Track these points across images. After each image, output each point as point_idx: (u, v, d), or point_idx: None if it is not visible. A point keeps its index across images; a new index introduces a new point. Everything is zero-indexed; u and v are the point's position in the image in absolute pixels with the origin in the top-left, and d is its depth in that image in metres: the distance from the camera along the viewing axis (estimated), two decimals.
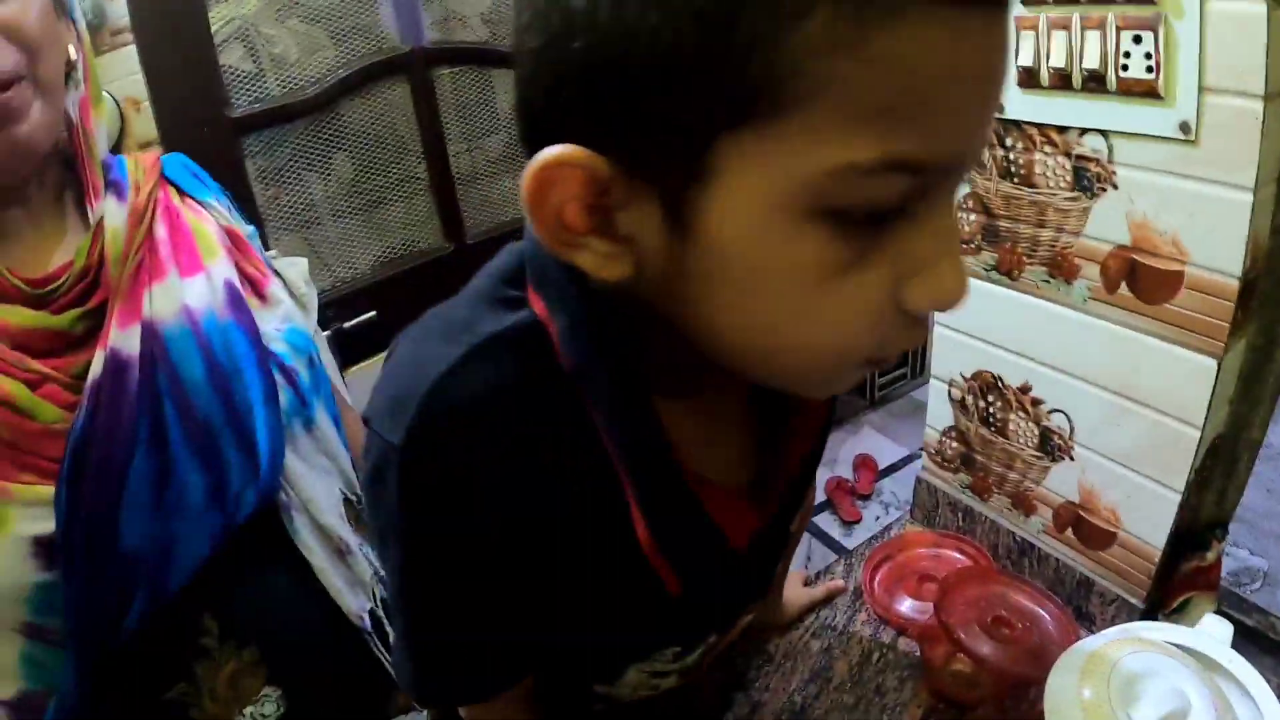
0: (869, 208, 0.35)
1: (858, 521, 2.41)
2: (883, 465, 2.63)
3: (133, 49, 1.40)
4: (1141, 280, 1.25)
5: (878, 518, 2.42)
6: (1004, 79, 0.35)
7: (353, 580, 0.84)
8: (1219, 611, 1.07)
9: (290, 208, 1.70)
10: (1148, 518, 1.33)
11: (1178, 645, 0.89)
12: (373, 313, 1.76)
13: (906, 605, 1.45)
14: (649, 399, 0.46)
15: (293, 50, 1.64)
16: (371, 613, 0.85)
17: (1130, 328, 1.27)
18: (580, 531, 0.49)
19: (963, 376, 1.57)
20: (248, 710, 0.76)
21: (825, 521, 2.40)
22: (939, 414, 1.65)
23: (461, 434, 0.44)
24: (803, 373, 0.43)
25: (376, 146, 1.77)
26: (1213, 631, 0.96)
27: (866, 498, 2.50)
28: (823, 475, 2.42)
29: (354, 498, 0.87)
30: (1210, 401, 1.19)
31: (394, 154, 1.80)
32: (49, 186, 0.74)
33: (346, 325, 1.74)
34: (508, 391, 0.45)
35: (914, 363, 2.96)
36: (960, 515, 1.65)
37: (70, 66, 0.71)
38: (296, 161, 1.69)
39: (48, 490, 0.65)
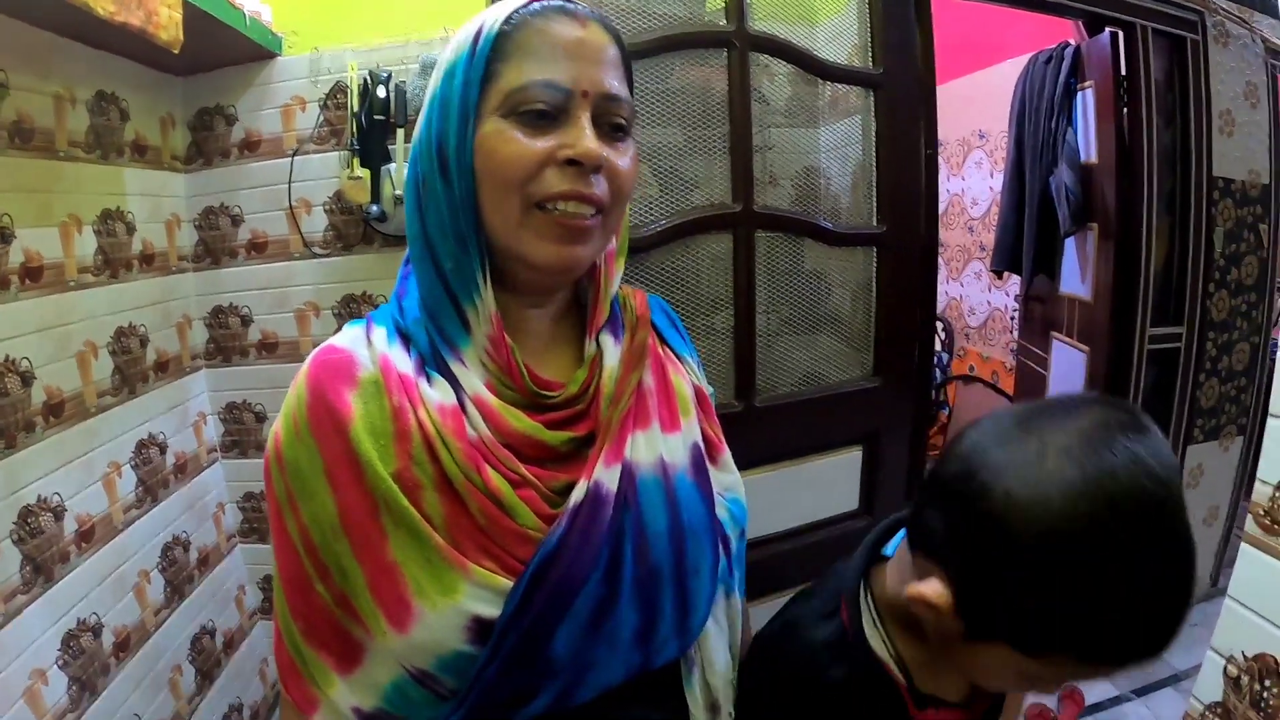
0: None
1: None
2: (1090, 700, 2.52)
3: None
4: None
5: None
6: None
7: None
8: None
9: None
10: None
11: None
12: None
13: None
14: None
15: None
16: None
17: None
18: None
19: (1244, 655, 1.54)
20: None
21: None
22: (1208, 687, 1.61)
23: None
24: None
25: (685, 292, 1.85)
26: None
27: None
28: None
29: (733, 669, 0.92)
30: None
31: (702, 303, 1.87)
32: (561, 306, 0.87)
33: None
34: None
35: None
36: None
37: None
38: None
39: (502, 582, 0.72)
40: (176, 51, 1.55)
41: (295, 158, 2.12)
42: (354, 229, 2.16)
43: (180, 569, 2.13)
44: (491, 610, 0.71)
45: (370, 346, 0.79)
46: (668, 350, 0.93)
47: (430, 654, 0.72)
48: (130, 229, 1.95)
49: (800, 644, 0.80)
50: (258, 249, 2.21)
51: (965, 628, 0.69)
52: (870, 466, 2.11)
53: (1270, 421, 1.50)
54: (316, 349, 0.81)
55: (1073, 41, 3.00)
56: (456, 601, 0.71)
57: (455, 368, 0.77)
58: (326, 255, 2.18)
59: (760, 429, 1.90)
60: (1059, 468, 0.62)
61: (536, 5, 0.75)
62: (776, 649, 0.85)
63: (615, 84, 0.76)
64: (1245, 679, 1.52)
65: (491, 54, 0.73)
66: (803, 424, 1.98)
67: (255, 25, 1.95)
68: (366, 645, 0.73)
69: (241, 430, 2.35)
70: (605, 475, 0.77)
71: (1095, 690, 2.58)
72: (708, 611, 0.84)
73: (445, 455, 0.73)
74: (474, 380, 0.77)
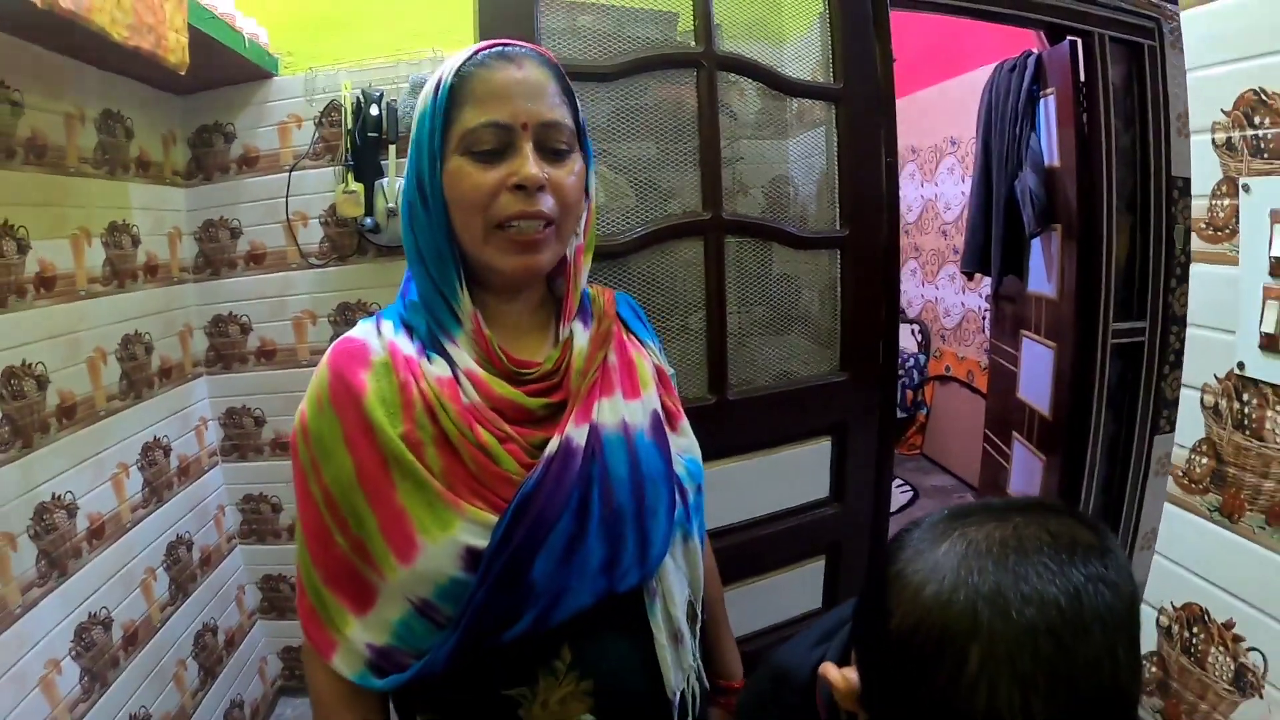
0: None
1: None
2: None
3: None
4: None
5: None
6: None
7: (679, 663, 1.00)
8: None
9: None
10: None
11: None
12: None
13: None
14: None
15: (600, 195, 1.86)
16: (682, 694, 1.00)
17: None
18: None
19: (1173, 605, 1.64)
20: None
21: None
22: (1144, 637, 1.70)
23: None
24: None
25: (659, 294, 1.95)
26: None
27: None
28: None
29: (694, 602, 1.06)
30: None
31: (677, 305, 1.98)
32: (536, 297, 1.02)
33: None
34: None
35: None
36: None
37: (579, 222, 0.98)
38: None
39: (490, 517, 0.86)
40: (183, 73, 1.65)
41: (292, 173, 2.23)
42: (348, 240, 2.27)
43: (184, 567, 2.22)
44: (481, 541, 0.85)
45: (380, 336, 0.95)
46: (631, 336, 1.08)
47: (431, 582, 0.86)
48: (135, 241, 2.05)
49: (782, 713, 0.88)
50: (256, 260, 2.32)
51: (869, 716, 0.68)
52: (839, 456, 2.21)
53: (1183, 391, 1.61)
54: (336, 340, 0.96)
55: (1035, 50, 3.11)
56: (452, 534, 0.85)
57: (450, 349, 0.92)
58: (322, 266, 2.29)
59: (733, 421, 2.00)
60: (952, 561, 0.59)
61: (481, 55, 0.90)
62: (762, 710, 0.95)
63: (552, 112, 0.90)
64: (1176, 627, 1.62)
65: (448, 103, 0.88)
66: (773, 416, 2.08)
67: (254, 47, 2.05)
68: (378, 586, 0.87)
69: (241, 434, 2.45)
70: (575, 432, 0.91)
71: None
72: (665, 547, 0.97)
73: (444, 416, 0.88)
74: (465, 358, 0.92)
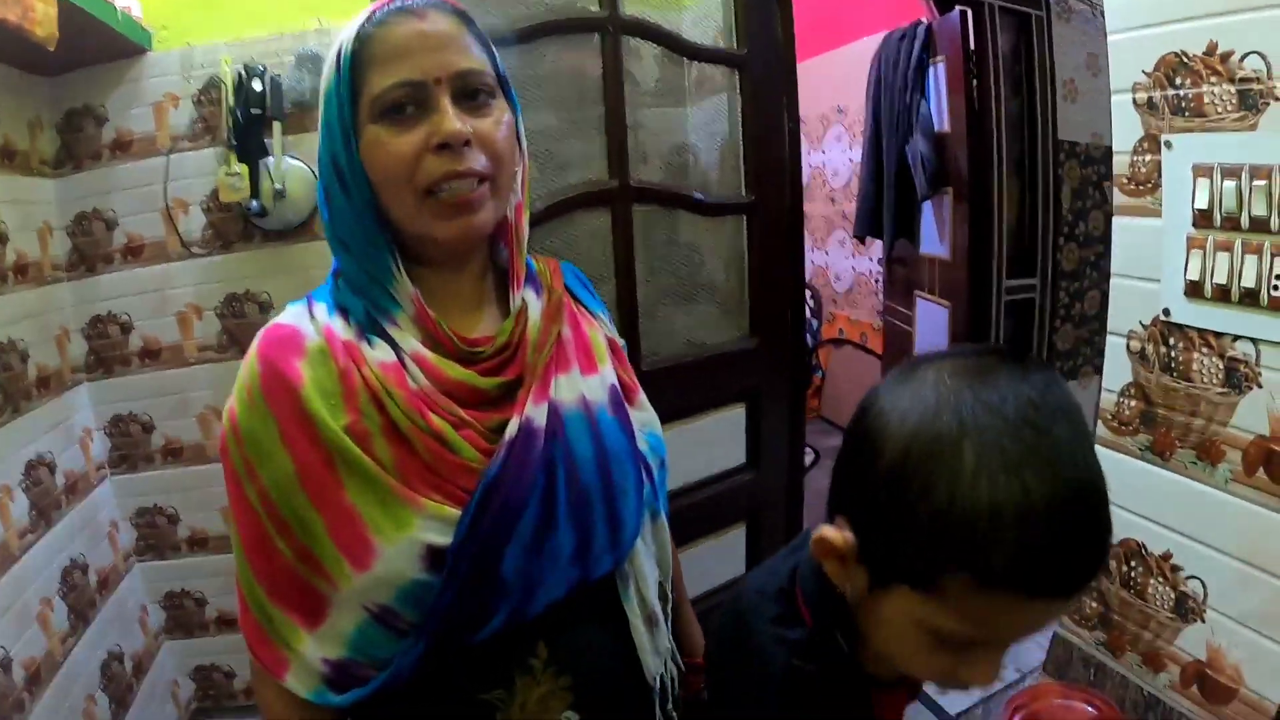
0: (949, 640, 0.64)
1: None
2: None
3: None
4: (1276, 466, 1.44)
5: None
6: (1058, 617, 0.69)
7: (656, 647, 0.96)
8: None
9: None
10: (1267, 675, 1.46)
11: None
12: None
13: None
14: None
15: None
16: (661, 677, 0.97)
17: (1266, 506, 1.45)
18: None
19: (1111, 544, 1.70)
20: None
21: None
22: None
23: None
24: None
25: None
26: None
27: None
28: None
29: (664, 582, 1.02)
30: None
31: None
32: (478, 268, 0.94)
33: None
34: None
35: None
36: (1092, 670, 1.78)
37: (514, 178, 0.90)
38: None
39: (451, 511, 0.80)
40: (52, 48, 1.51)
41: (170, 157, 2.09)
42: (233, 226, 2.13)
43: (81, 593, 2.04)
44: (443, 538, 0.79)
45: (313, 320, 0.86)
46: (581, 308, 1.02)
47: (391, 586, 0.79)
48: (3, 239, 1.89)
49: (768, 645, 0.82)
50: (134, 253, 2.16)
51: (869, 574, 0.69)
52: (754, 422, 2.23)
53: (1109, 339, 1.67)
54: (263, 328, 0.87)
55: (925, 20, 3.19)
56: (410, 533, 0.78)
57: (392, 331, 0.85)
58: (206, 255, 2.15)
59: (648, 393, 1.97)
60: (927, 390, 0.64)
61: (378, 14, 0.82)
62: (743, 649, 0.87)
63: (466, 60, 0.83)
64: (1114, 563, 1.69)
65: (352, 71, 0.81)
66: (687, 386, 2.09)
67: (126, 20, 1.90)
68: (330, 597, 0.80)
69: (129, 444, 2.29)
70: (535, 412, 0.85)
71: None
72: (637, 528, 0.92)
73: (390, 404, 0.80)
74: (410, 340, 0.85)
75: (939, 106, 3.15)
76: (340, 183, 0.84)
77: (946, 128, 3.11)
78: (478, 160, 0.82)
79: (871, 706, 0.80)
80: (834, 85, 4.39)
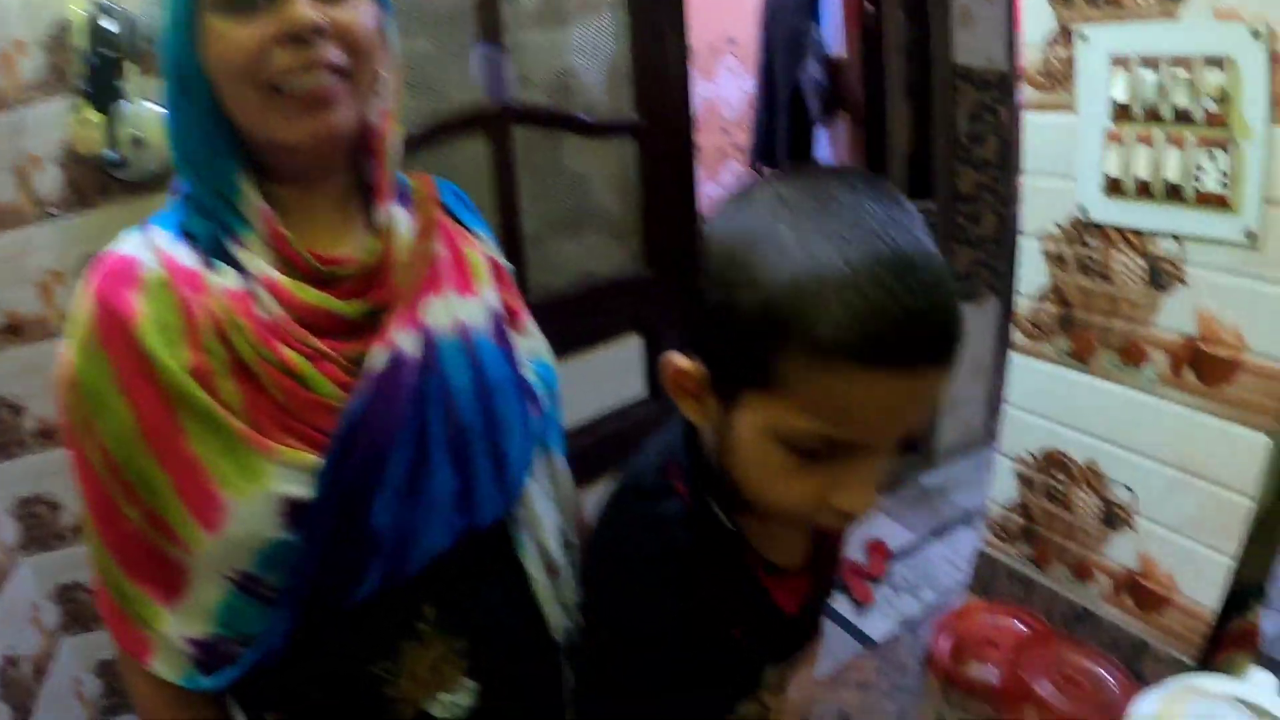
0: (808, 449, 0.61)
1: (870, 603, 2.51)
2: (893, 546, 2.76)
3: None
4: (1204, 366, 1.40)
5: (890, 600, 2.54)
6: (917, 410, 0.61)
7: (560, 598, 0.89)
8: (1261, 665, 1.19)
9: None
10: (1201, 582, 1.44)
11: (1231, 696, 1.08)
12: None
13: (975, 670, 1.50)
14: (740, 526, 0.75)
15: None
16: (568, 632, 0.90)
17: (1192, 408, 1.41)
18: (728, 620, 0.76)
19: (1032, 455, 1.68)
20: (443, 696, 0.80)
21: (838, 603, 2.48)
22: (1004, 491, 1.76)
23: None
24: (782, 517, 0.70)
25: None
26: (1260, 683, 1.11)
27: (878, 580, 2.62)
28: None
29: (566, 529, 0.95)
30: (1263, 474, 1.32)
31: None
32: (340, 183, 0.82)
33: None
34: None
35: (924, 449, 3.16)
36: (1019, 585, 1.73)
37: (380, 81, 0.79)
38: None
39: (309, 458, 0.71)
40: None
41: (20, 110, 1.87)
42: (92, 180, 1.92)
43: None
44: (303, 490, 0.71)
45: (153, 248, 0.75)
46: (459, 225, 0.92)
47: (248, 549, 0.71)
48: None
49: (643, 521, 0.77)
50: None
51: (719, 397, 0.67)
52: (652, 353, 2.18)
53: (1023, 242, 1.61)
54: (96, 259, 0.77)
55: None
56: (263, 485, 0.70)
57: (240, 254, 0.75)
58: (64, 215, 1.94)
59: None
60: (755, 200, 0.64)
61: None
62: (615, 539, 0.82)
63: None
64: (1037, 476, 1.65)
65: None
66: (579, 318, 2.02)
67: None
68: (187, 565, 0.72)
69: None
70: (403, 339, 0.76)
71: (896, 539, 2.82)
72: (525, 465, 0.85)
73: (236, 336, 0.71)
74: (260, 264, 0.75)
75: (833, 32, 3.13)
76: (181, 85, 0.73)
77: (842, 53, 3.10)
78: (332, 53, 0.71)
79: (763, 588, 0.77)
80: (725, 14, 4.32)
